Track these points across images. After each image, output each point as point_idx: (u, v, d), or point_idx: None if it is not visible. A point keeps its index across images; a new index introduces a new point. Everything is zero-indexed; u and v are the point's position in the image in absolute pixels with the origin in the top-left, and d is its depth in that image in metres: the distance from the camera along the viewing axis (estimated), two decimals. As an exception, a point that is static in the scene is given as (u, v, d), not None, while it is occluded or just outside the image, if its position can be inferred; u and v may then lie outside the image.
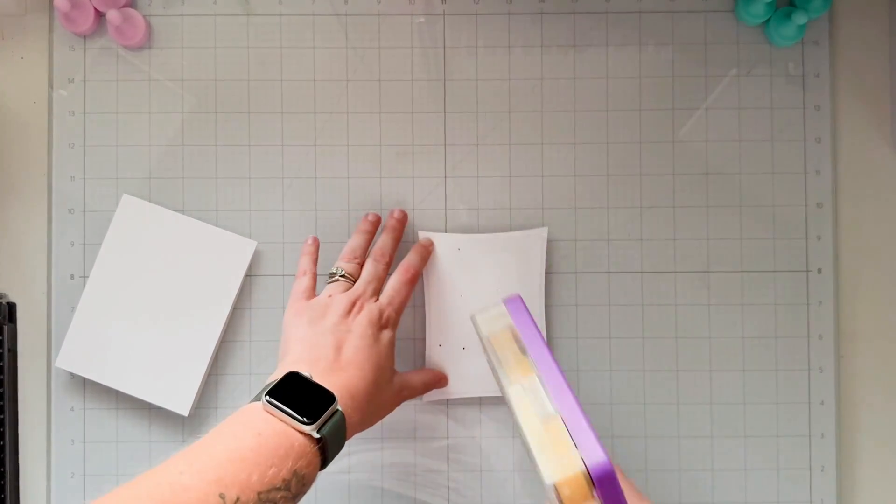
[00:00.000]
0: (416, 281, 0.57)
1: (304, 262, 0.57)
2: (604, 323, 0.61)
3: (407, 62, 0.62)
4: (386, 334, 0.53)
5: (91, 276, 0.60)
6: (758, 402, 0.61)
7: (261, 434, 0.42)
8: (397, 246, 0.59)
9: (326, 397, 0.45)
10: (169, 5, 0.62)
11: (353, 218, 0.61)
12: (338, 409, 0.45)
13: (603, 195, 0.62)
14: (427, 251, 0.59)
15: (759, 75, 0.62)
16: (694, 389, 0.61)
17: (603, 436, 0.61)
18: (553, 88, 0.62)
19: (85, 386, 0.60)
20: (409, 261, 0.57)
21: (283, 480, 0.41)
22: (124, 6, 0.60)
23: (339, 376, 0.48)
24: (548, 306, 0.61)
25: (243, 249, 0.60)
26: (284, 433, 0.42)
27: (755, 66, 0.62)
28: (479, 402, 0.61)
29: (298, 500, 0.42)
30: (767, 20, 0.61)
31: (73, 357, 0.59)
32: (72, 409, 0.60)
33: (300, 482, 0.42)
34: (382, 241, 0.58)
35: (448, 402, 0.61)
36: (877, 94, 0.62)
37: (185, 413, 0.59)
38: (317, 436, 0.43)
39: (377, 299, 0.54)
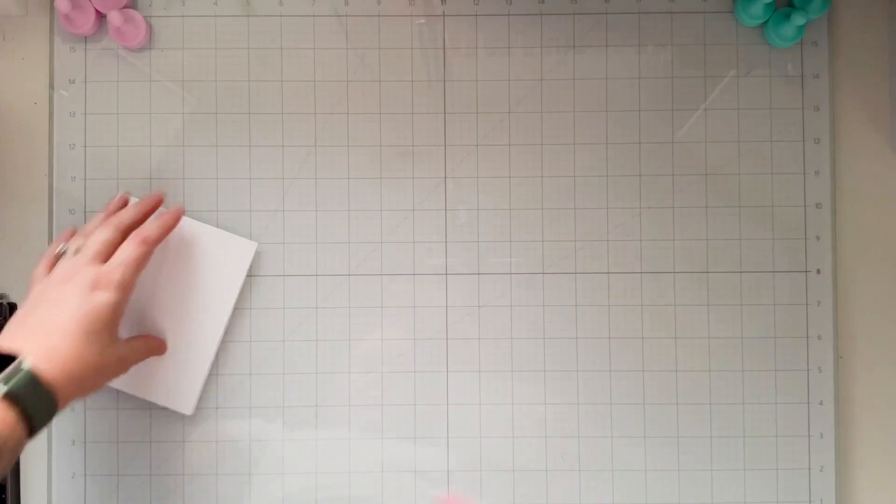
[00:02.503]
0: (149, 247, 0.54)
1: (52, 245, 0.57)
2: (603, 323, 0.61)
3: (407, 63, 0.62)
4: (101, 296, 0.51)
5: None
6: (757, 402, 0.61)
7: None
8: (142, 220, 0.57)
9: (9, 359, 0.46)
10: (170, 6, 0.62)
11: (353, 218, 0.61)
12: (23, 368, 0.45)
13: (602, 195, 0.62)
14: (173, 220, 0.57)
15: (758, 76, 0.62)
16: (693, 390, 0.61)
17: (602, 436, 0.61)
18: (553, 89, 0.62)
19: (85, 386, 0.61)
20: (145, 227, 0.55)
21: None
22: (125, 7, 0.60)
23: (37, 341, 0.48)
24: (546, 306, 0.61)
25: (244, 250, 0.60)
26: None
27: (754, 67, 0.62)
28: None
29: (8, 456, 0.44)
30: (766, 21, 0.61)
31: None
32: (72, 409, 0.61)
33: None
34: (123, 211, 0.57)
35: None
36: (876, 94, 0.63)
37: (189, 412, 0.59)
38: (0, 392, 0.44)
39: (102, 263, 0.53)
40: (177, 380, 0.60)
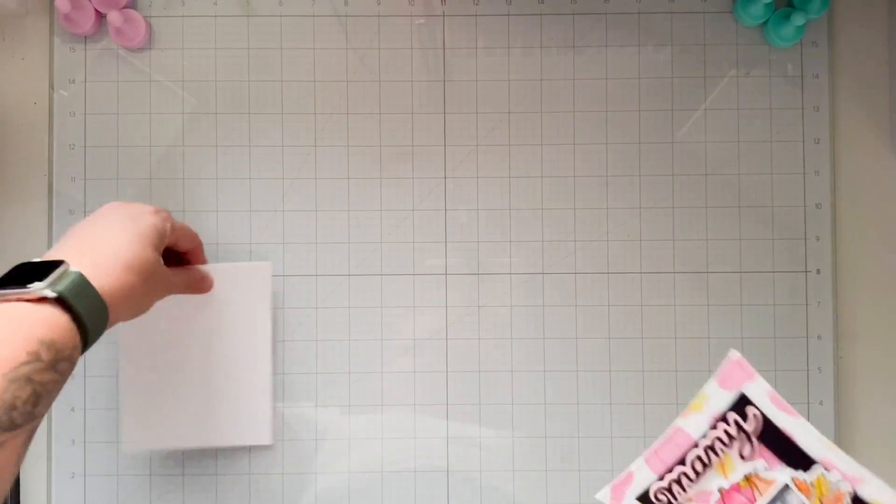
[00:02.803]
0: (196, 237, 0.56)
1: None
2: (602, 323, 0.61)
3: (407, 63, 0.62)
4: (155, 217, 0.51)
5: (120, 354, 0.59)
6: (757, 402, 0.61)
7: None
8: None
9: (55, 264, 0.44)
10: (169, 6, 0.62)
11: (353, 218, 0.61)
12: (70, 269, 0.44)
13: (602, 196, 0.62)
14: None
15: (758, 76, 0.62)
16: (693, 390, 0.61)
17: (601, 436, 0.61)
18: (552, 89, 0.62)
19: (85, 386, 0.61)
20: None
21: (28, 353, 0.39)
22: (125, 7, 0.60)
23: (87, 254, 0.46)
24: (546, 306, 0.61)
25: (261, 273, 0.60)
26: (9, 310, 0.41)
27: (754, 67, 0.62)
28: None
29: (64, 366, 0.41)
30: (766, 21, 0.61)
31: (138, 436, 0.59)
32: (72, 409, 0.61)
33: (52, 349, 0.40)
34: None
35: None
36: (875, 94, 0.63)
37: (270, 442, 0.60)
38: (51, 294, 0.42)
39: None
40: (245, 417, 0.59)
